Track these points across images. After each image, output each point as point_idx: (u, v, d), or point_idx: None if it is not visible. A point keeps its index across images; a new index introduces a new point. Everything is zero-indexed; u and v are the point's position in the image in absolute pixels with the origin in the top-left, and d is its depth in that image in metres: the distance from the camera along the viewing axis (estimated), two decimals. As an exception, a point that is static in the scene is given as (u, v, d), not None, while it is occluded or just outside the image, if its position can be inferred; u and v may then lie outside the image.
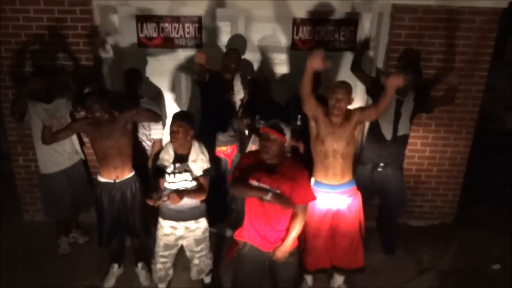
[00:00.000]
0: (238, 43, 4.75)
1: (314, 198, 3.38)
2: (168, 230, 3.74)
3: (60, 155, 4.35)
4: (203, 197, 3.64)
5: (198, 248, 3.84)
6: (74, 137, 4.47)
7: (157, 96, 4.92)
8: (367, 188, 4.34)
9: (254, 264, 3.43)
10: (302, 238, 3.71)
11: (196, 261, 3.91)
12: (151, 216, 4.03)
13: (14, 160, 4.96)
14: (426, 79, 4.52)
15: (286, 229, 3.35)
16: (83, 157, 4.61)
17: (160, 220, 3.77)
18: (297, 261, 3.58)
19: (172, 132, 3.52)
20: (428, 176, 5.02)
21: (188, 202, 3.64)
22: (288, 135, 3.22)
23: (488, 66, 4.61)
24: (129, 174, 4.01)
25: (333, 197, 3.74)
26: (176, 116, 3.58)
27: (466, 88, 4.63)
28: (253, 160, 3.31)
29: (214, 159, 4.41)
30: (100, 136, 3.86)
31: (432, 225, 5.19)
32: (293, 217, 3.34)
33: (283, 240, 3.34)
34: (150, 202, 3.51)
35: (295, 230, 3.33)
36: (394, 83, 3.53)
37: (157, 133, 4.54)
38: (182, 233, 3.76)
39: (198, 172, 3.62)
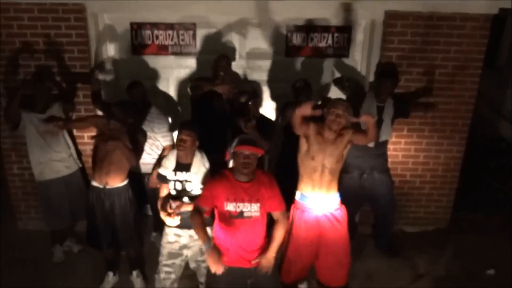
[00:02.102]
0: (232, 50, 4.78)
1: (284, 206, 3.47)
2: (172, 238, 3.71)
3: (58, 162, 4.34)
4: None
5: (203, 258, 3.75)
6: (71, 145, 4.48)
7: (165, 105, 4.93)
8: (357, 195, 4.39)
9: (235, 284, 3.44)
10: (282, 250, 3.74)
11: (203, 271, 3.87)
12: (144, 227, 4.04)
13: (8, 168, 4.92)
14: (404, 86, 4.62)
15: (262, 238, 3.40)
16: (80, 165, 4.58)
17: (165, 228, 3.74)
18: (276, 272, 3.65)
19: (180, 141, 3.53)
20: (422, 181, 5.04)
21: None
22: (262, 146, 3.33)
23: (480, 72, 4.65)
24: (120, 183, 3.99)
25: (319, 210, 3.70)
26: (185, 126, 3.60)
27: (458, 93, 4.67)
28: (225, 182, 3.32)
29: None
30: (108, 138, 3.87)
31: (427, 231, 5.20)
32: (276, 224, 3.42)
33: (264, 248, 3.41)
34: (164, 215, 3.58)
35: (279, 236, 3.41)
36: (368, 119, 3.64)
37: (167, 140, 4.49)
38: (186, 241, 3.72)
39: (199, 184, 3.62)
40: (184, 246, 3.74)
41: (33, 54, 4.48)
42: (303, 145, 3.68)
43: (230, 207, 3.28)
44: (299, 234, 3.71)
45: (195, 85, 4.24)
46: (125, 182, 4.03)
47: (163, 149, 4.48)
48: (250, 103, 4.20)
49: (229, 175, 3.33)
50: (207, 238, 3.38)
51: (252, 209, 3.28)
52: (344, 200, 3.85)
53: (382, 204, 4.53)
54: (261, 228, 3.38)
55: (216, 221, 3.40)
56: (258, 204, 3.28)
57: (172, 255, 3.73)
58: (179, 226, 3.67)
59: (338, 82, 4.71)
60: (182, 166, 3.62)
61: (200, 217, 3.35)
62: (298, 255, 3.75)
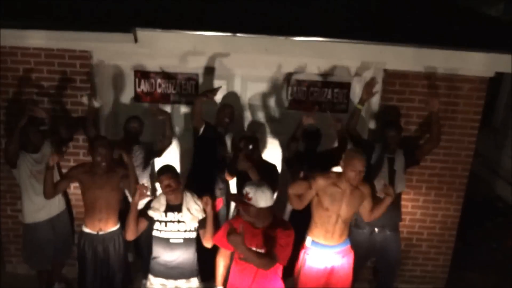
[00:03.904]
0: (234, 101, 4.85)
1: (283, 262, 3.25)
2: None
3: (48, 204, 4.28)
4: (210, 241, 3.54)
5: None
6: None
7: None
8: (366, 252, 4.31)
9: None
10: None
11: None
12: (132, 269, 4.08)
13: (2, 209, 4.87)
14: (411, 136, 4.64)
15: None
16: (65, 206, 4.51)
17: (151, 277, 3.66)
18: None
19: (166, 186, 3.50)
20: (419, 239, 4.99)
21: (180, 257, 3.59)
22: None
23: (477, 132, 4.72)
24: (113, 227, 3.98)
25: (329, 256, 3.71)
26: (164, 170, 3.57)
27: (455, 152, 4.72)
28: (238, 224, 3.27)
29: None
30: (92, 186, 3.86)
31: (424, 290, 5.12)
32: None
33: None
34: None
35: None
36: (388, 197, 3.66)
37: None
38: None
39: (193, 223, 3.58)
40: None
41: (38, 97, 4.55)
42: (314, 199, 3.70)
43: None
44: (307, 281, 3.70)
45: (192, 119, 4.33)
46: (118, 226, 4.01)
47: None
48: (250, 147, 4.21)
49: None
50: (220, 282, 3.48)
51: None
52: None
53: (389, 261, 4.42)
54: (267, 274, 3.25)
55: (233, 260, 3.37)
56: (263, 250, 3.17)
57: None
58: (165, 276, 3.61)
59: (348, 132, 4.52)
60: (173, 207, 3.59)
61: (223, 259, 3.47)
62: None
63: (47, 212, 4.31)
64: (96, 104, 4.34)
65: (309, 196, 3.70)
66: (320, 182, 3.62)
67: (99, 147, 3.84)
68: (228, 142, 4.56)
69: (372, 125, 4.79)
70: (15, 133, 4.10)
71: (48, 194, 3.93)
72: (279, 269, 3.31)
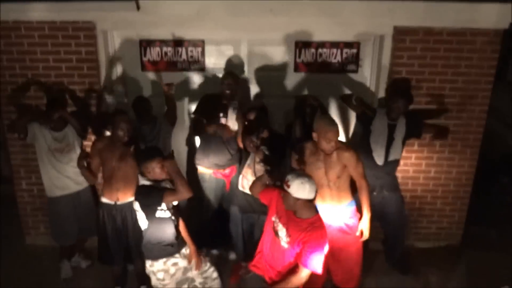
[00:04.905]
0: (241, 66, 4.79)
1: (315, 270, 3.14)
2: (173, 270, 3.55)
3: (66, 179, 4.32)
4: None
5: (207, 267, 3.77)
6: None
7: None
8: None
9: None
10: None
11: (210, 283, 3.82)
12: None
13: (17, 183, 4.93)
14: (419, 105, 4.55)
15: (285, 267, 3.28)
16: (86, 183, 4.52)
17: (162, 264, 3.52)
18: None
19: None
20: (434, 197, 4.97)
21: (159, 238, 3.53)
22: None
23: (491, 86, 4.61)
24: (131, 197, 3.98)
25: (331, 221, 3.72)
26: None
27: (469, 108, 4.64)
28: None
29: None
30: (111, 156, 3.90)
31: (439, 247, 5.12)
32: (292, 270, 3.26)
33: (284, 276, 3.26)
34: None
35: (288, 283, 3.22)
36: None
37: None
38: (185, 263, 3.60)
39: None
40: (186, 270, 3.64)
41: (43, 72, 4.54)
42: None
43: (274, 219, 3.28)
44: None
45: (194, 122, 4.35)
46: None
47: None
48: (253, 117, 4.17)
49: None
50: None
51: (284, 238, 3.21)
52: None
53: (392, 222, 4.47)
54: (285, 258, 3.25)
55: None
56: (288, 239, 3.18)
57: (180, 282, 3.66)
58: (170, 254, 3.55)
59: (346, 99, 4.53)
60: None
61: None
62: None
63: (67, 189, 4.35)
64: (109, 100, 4.31)
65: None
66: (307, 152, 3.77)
67: (121, 122, 3.85)
68: (233, 116, 4.43)
69: (382, 85, 4.69)
70: (26, 118, 4.12)
71: (93, 182, 4.13)
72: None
